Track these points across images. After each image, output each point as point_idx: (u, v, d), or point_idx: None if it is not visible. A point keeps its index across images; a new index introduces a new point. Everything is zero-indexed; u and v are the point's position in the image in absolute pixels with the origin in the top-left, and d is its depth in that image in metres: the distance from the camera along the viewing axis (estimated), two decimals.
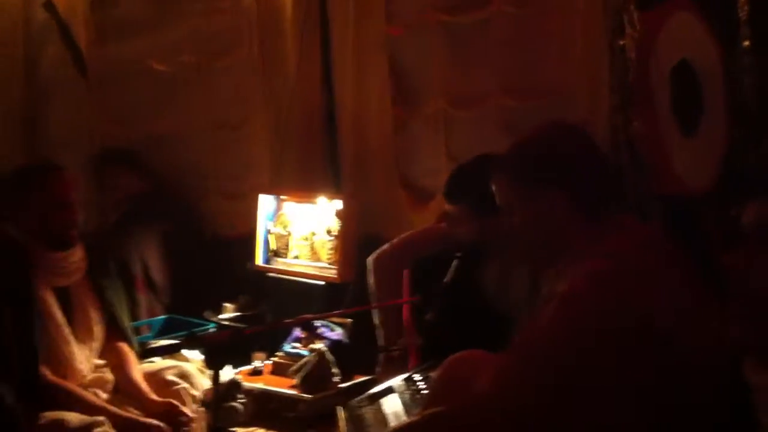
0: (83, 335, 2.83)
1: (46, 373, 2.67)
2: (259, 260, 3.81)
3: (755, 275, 1.29)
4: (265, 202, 3.81)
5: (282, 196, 3.82)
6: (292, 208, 3.80)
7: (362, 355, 3.19)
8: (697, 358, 1.62)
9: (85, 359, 2.81)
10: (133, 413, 2.72)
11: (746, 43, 2.17)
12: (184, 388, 2.86)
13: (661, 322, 1.60)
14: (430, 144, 3.62)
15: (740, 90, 2.20)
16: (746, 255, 1.32)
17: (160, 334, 3.68)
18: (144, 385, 2.82)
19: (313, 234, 3.70)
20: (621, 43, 2.76)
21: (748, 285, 1.29)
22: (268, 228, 3.81)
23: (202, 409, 2.89)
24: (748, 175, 2.17)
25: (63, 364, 2.74)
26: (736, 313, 1.31)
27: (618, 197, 1.85)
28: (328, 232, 3.62)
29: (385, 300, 2.96)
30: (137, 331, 3.34)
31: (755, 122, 2.16)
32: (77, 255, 2.84)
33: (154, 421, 2.66)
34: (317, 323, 3.29)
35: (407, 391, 2.55)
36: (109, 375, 2.88)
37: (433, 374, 2.41)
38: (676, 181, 2.52)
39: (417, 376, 2.59)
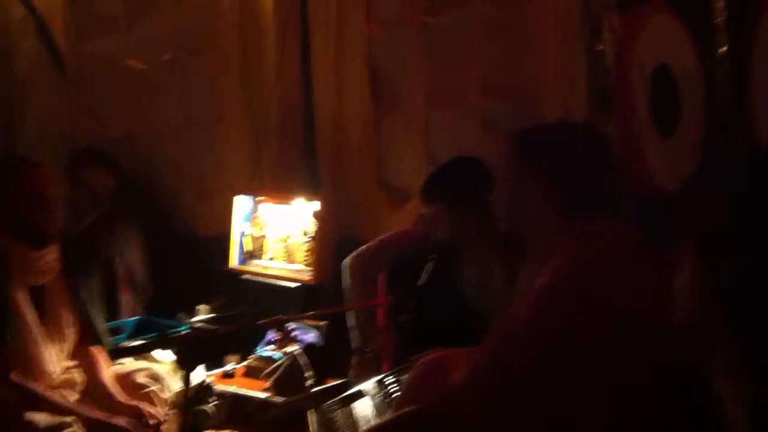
0: (54, 336, 2.79)
1: (13, 374, 2.61)
2: (234, 262, 3.76)
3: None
4: (241, 204, 3.77)
5: (258, 197, 3.78)
6: (268, 209, 3.76)
7: (336, 358, 3.16)
8: (660, 353, 1.63)
9: (54, 360, 2.76)
10: (101, 414, 2.68)
11: (723, 48, 2.17)
12: (155, 391, 2.83)
13: (630, 320, 1.64)
14: (409, 144, 3.60)
15: (717, 93, 2.20)
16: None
17: (134, 335, 3.63)
18: (114, 388, 2.78)
19: (289, 236, 3.67)
20: (599, 45, 2.75)
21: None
22: (244, 230, 3.77)
23: (174, 411, 2.86)
24: None
25: (32, 365, 2.69)
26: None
27: (610, 203, 1.86)
28: (305, 233, 3.59)
29: (360, 302, 2.93)
30: (111, 332, 3.29)
31: (730, 126, 2.16)
32: (53, 254, 2.79)
33: (122, 420, 2.62)
34: (291, 325, 3.25)
35: (379, 395, 2.53)
36: (78, 376, 2.83)
37: (404, 376, 2.39)
38: (652, 183, 2.52)
39: (389, 380, 2.57)
